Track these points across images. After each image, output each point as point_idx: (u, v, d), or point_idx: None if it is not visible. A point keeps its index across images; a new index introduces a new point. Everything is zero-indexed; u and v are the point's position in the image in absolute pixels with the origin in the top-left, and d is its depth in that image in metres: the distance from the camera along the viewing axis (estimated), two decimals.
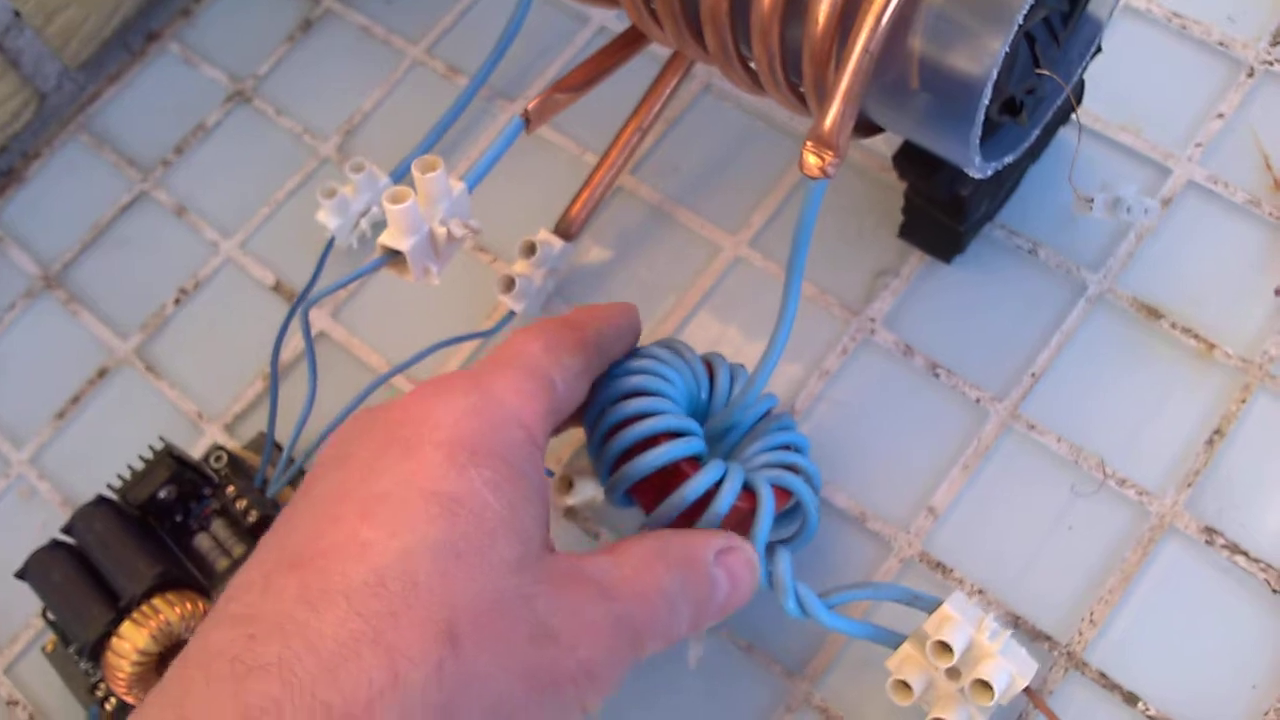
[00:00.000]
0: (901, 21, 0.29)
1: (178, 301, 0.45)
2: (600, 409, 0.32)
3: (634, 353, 0.34)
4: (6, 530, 0.43)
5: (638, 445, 0.32)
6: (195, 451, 0.41)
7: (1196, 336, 0.37)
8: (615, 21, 0.47)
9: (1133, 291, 0.38)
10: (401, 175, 0.44)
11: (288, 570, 0.24)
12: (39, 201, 0.50)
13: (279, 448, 0.39)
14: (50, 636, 0.38)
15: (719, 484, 0.31)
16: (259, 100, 0.49)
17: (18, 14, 0.48)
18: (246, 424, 0.43)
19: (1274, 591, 0.34)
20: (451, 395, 0.27)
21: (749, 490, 0.32)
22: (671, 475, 0.31)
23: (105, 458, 0.42)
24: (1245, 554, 0.34)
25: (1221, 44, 0.42)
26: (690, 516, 0.31)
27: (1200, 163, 0.40)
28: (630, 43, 0.39)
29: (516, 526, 0.25)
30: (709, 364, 0.35)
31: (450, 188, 0.34)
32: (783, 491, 0.33)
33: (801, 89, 0.33)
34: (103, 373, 0.45)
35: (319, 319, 0.44)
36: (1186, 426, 0.36)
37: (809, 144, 0.30)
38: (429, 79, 0.48)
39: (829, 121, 0.29)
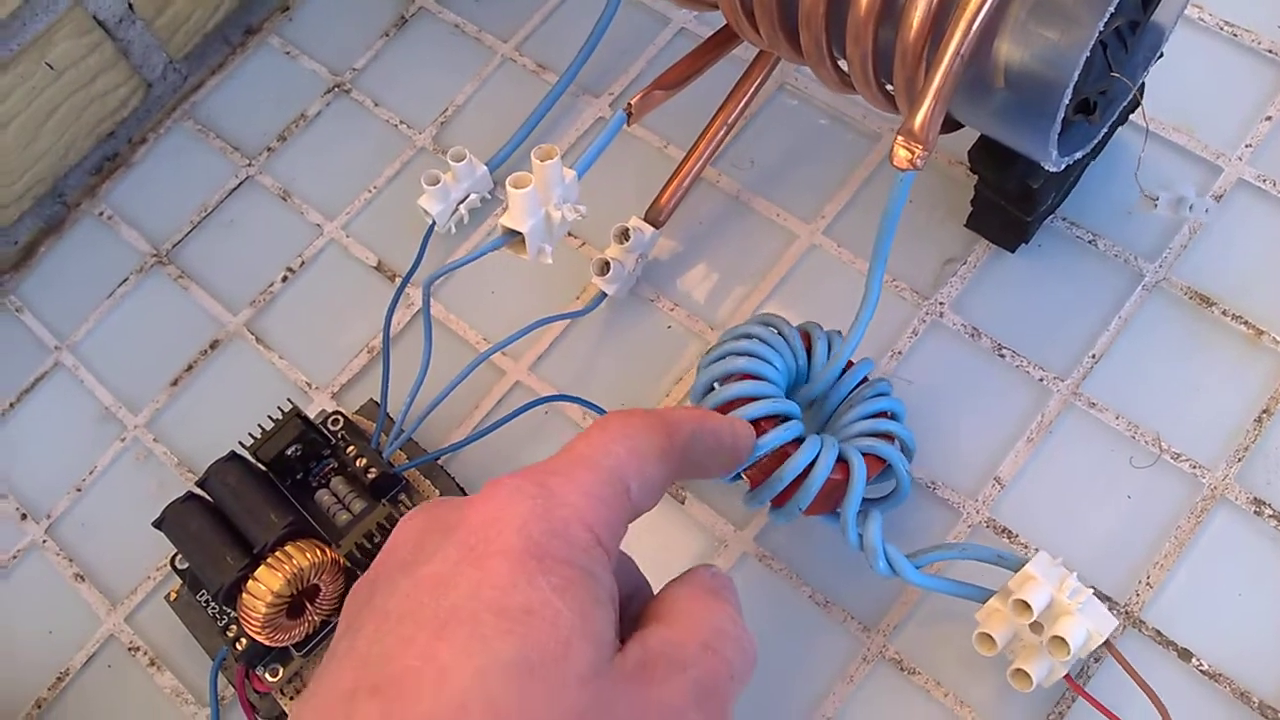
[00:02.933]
0: (990, 26, 0.32)
1: (285, 279, 0.48)
2: (708, 387, 0.36)
3: (737, 332, 0.37)
4: (125, 491, 0.46)
5: None
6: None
7: (1246, 323, 0.40)
8: (695, 23, 0.50)
9: (1187, 281, 0.41)
10: (496, 165, 0.47)
11: (369, 695, 0.23)
12: (146, 184, 0.53)
13: (390, 418, 0.42)
14: (174, 584, 0.41)
15: (815, 458, 0.34)
16: (357, 92, 0.52)
17: (131, 6, 0.51)
18: (352, 393, 0.46)
19: None
20: (517, 499, 0.26)
21: (843, 460, 0.35)
22: (775, 454, 0.35)
23: (218, 422, 0.45)
24: None
25: (1270, 51, 0.45)
26: (790, 490, 0.35)
27: (1250, 162, 0.43)
28: (723, 43, 0.42)
29: (590, 632, 0.25)
30: (806, 334, 0.38)
31: (563, 175, 0.37)
32: (877, 458, 0.36)
33: (889, 88, 0.36)
34: (215, 344, 0.48)
35: (419, 297, 0.47)
36: (1237, 405, 0.39)
37: (900, 138, 0.32)
38: (518, 74, 0.51)
39: (920, 118, 0.32)
